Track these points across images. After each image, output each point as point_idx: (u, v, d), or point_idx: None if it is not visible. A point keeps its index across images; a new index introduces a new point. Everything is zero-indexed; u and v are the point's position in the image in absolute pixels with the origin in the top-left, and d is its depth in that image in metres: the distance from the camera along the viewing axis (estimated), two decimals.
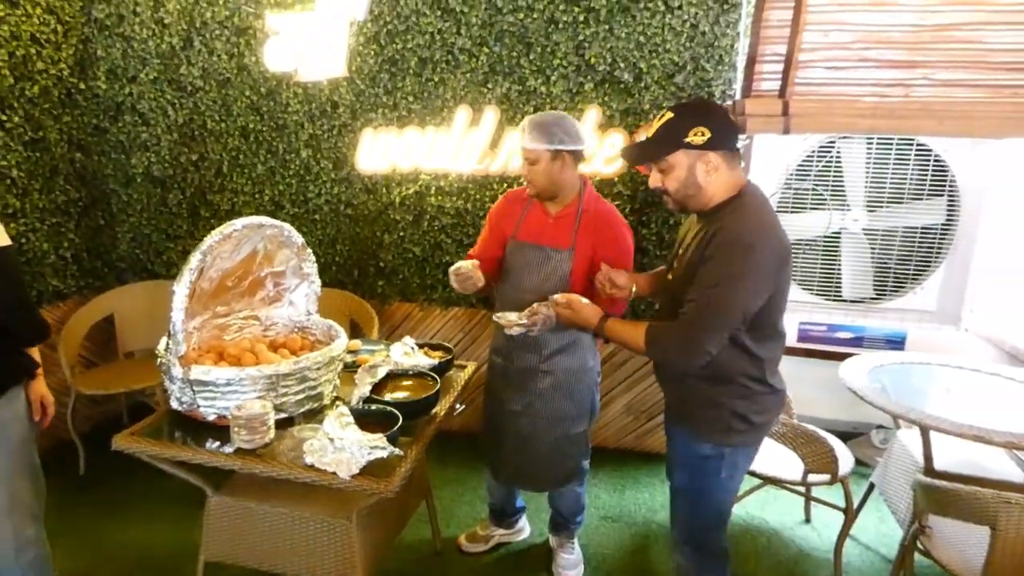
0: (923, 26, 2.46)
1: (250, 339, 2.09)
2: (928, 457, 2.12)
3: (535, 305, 1.86)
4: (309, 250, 2.15)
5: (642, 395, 3.12)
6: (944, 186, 3.01)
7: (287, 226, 2.04)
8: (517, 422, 2.10)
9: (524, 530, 2.55)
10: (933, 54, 2.48)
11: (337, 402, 1.96)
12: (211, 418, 1.81)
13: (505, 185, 2.93)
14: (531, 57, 2.77)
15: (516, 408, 2.09)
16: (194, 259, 1.76)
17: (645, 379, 3.08)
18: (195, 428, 1.83)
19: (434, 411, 1.92)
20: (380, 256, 3.16)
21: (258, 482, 2.03)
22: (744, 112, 2.53)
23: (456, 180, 2.98)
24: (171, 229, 3.32)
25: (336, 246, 3.18)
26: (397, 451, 1.63)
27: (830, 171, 3.10)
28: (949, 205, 3.04)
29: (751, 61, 2.57)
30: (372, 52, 2.89)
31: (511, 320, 1.86)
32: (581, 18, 2.68)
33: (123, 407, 3.32)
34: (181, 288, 1.73)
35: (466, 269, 1.95)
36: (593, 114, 2.74)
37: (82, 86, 3.11)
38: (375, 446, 1.61)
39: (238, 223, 1.88)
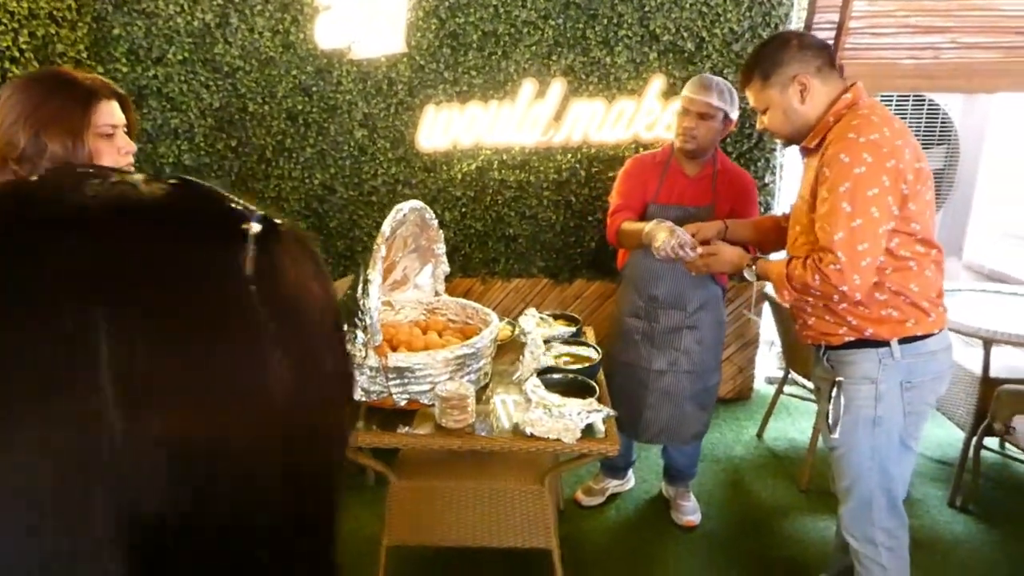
0: None
1: (407, 324, 2.09)
2: (987, 367, 2.47)
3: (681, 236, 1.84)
4: (440, 231, 2.15)
5: None
6: (949, 135, 3.41)
7: (427, 208, 2.04)
8: (661, 380, 2.24)
9: (631, 480, 2.72)
10: (959, 20, 2.78)
11: (492, 377, 2.02)
12: (402, 403, 1.82)
13: (569, 155, 3.00)
14: (596, 29, 2.83)
15: (660, 367, 2.22)
16: (382, 247, 1.74)
17: None
18: (381, 416, 1.84)
19: (599, 375, 2.03)
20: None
21: (429, 462, 2.06)
22: None
23: (519, 153, 3.01)
24: None
25: None
26: (612, 412, 1.73)
27: None
28: (949, 152, 3.45)
29: (807, 28, 2.77)
30: (432, 26, 2.84)
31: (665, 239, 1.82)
32: None
33: None
34: (376, 276, 1.71)
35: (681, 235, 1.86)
36: (658, 83, 2.86)
37: (100, 69, 2.84)
38: (592, 410, 1.70)
39: (404, 207, 1.87)
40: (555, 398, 1.72)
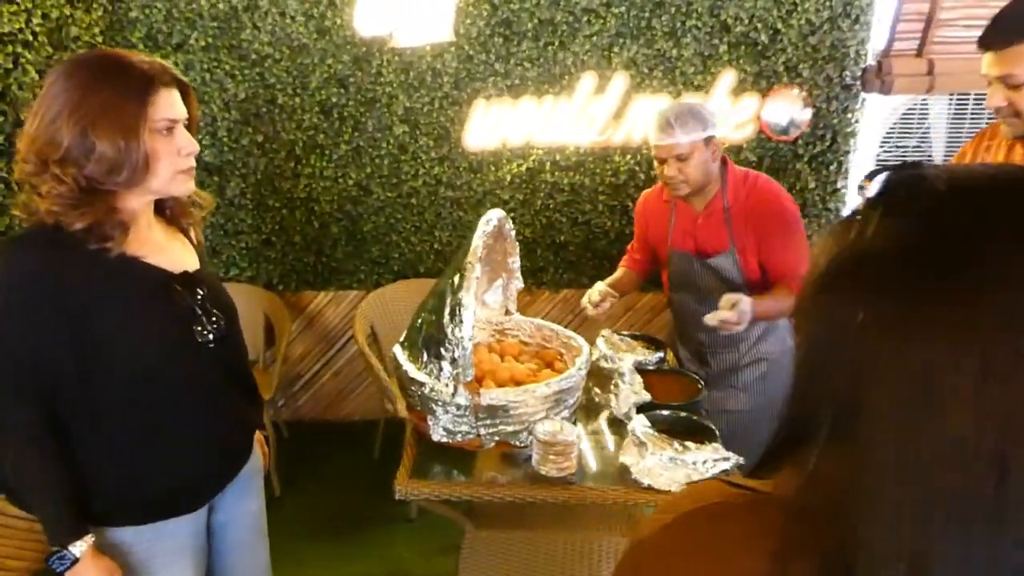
0: None
1: (482, 348, 1.84)
2: None
3: (729, 296, 1.61)
4: (516, 243, 1.91)
5: None
6: None
7: (507, 217, 1.80)
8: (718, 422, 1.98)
9: None
10: None
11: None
12: (491, 446, 1.57)
13: (628, 156, 2.77)
14: (663, 18, 2.59)
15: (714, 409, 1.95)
16: (476, 266, 1.49)
17: None
18: (456, 458, 1.60)
19: (703, 410, 1.79)
20: None
21: (508, 507, 1.82)
22: (892, 72, 2.52)
23: (574, 153, 2.76)
24: (230, 224, 2.84)
25: (435, 232, 2.87)
26: (740, 459, 1.50)
27: (919, 130, 3.20)
28: None
29: (894, 19, 2.55)
30: (483, 13, 2.58)
31: (723, 317, 1.60)
32: None
33: None
34: (470, 301, 1.46)
35: (596, 301, 1.94)
36: (728, 77, 2.63)
37: None
38: (720, 458, 1.47)
39: (493, 217, 1.62)
40: (675, 444, 1.49)
